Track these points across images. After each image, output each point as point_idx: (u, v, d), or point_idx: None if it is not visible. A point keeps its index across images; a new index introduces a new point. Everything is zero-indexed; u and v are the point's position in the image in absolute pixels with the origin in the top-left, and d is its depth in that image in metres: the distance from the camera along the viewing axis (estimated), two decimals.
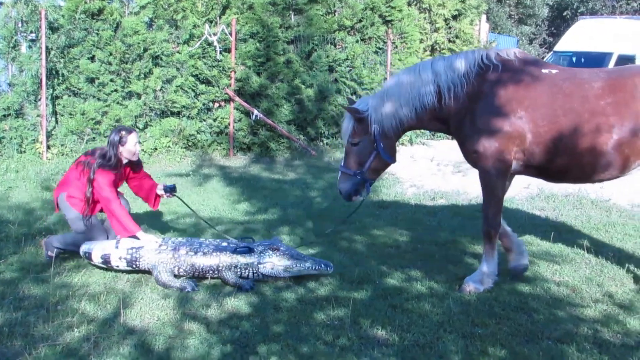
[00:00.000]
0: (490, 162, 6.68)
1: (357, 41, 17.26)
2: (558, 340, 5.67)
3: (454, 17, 19.08)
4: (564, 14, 35.89)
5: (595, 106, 6.38)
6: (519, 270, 7.25)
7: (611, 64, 19.72)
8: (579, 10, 34.68)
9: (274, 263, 6.95)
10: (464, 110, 6.79)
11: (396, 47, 17.96)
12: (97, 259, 7.10)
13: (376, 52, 17.64)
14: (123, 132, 7.51)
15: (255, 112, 15.28)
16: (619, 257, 8.06)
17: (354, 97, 16.05)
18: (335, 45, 17.02)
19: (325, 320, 5.97)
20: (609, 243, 8.65)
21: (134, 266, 7.04)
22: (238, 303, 6.37)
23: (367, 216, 9.99)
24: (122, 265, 7.06)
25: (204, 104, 15.44)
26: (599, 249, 8.39)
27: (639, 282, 7.22)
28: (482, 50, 6.92)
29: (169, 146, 14.87)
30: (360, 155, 7.12)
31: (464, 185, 12.86)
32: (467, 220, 9.85)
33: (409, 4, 18.37)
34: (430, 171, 14.57)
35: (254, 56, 15.76)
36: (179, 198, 8.35)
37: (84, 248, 7.22)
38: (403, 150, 17.00)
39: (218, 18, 15.60)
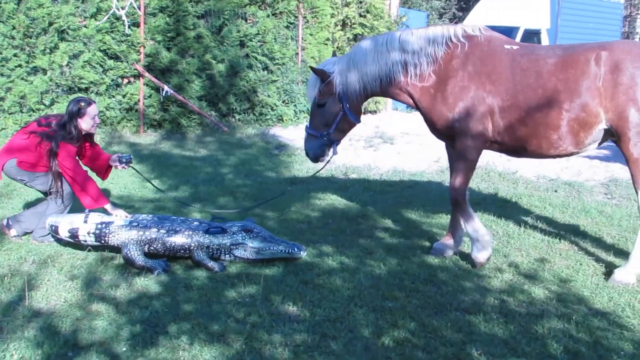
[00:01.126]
0: (469, 137, 6.76)
1: (268, 16, 17.15)
2: (466, 311, 5.79)
3: None
4: None
5: (547, 82, 6.53)
6: (438, 252, 7.31)
7: (517, 38, 20.12)
8: None
9: (247, 245, 6.85)
10: (432, 88, 6.87)
11: (307, 21, 17.93)
12: (64, 233, 6.90)
13: (287, 27, 17.58)
14: (82, 104, 7.28)
15: (166, 88, 15.07)
16: (525, 227, 8.27)
17: (266, 72, 16.04)
18: (246, 20, 16.89)
19: (236, 298, 5.95)
20: (515, 214, 8.85)
21: (103, 241, 6.86)
22: (148, 282, 6.30)
23: (278, 192, 9.99)
24: (90, 240, 6.88)
25: (112, 80, 15.10)
26: (506, 220, 8.58)
27: (543, 252, 7.42)
28: (450, 27, 6.95)
29: None
30: (327, 116, 7.15)
31: (375, 160, 13.00)
32: (378, 195, 9.96)
33: None
34: (341, 146, 14.49)
35: (163, 31, 15.51)
36: (134, 169, 8.30)
37: (50, 221, 7.00)
38: None
39: None
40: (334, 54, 7.86)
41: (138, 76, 15.30)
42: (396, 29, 19.78)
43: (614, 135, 6.51)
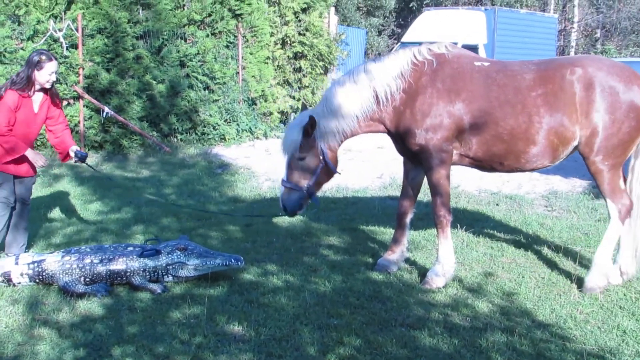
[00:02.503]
0: (433, 154, 6.80)
1: (207, 35, 17.12)
2: (410, 327, 5.82)
3: (303, 10, 19.21)
4: (411, 5, 36.77)
5: (527, 97, 6.62)
6: (382, 268, 7.32)
7: None
8: (424, 2, 35.60)
9: (183, 263, 6.77)
10: (402, 107, 6.87)
11: (247, 40, 17.94)
12: None
13: (227, 47, 17.56)
14: (43, 57, 7.23)
15: (106, 109, 14.91)
16: (468, 242, 8.36)
17: (207, 92, 15.99)
18: (185, 40, 16.82)
19: (181, 319, 5.90)
20: (458, 229, 8.93)
21: (37, 280, 6.70)
22: (91, 305, 6.21)
23: (221, 212, 9.95)
24: (25, 281, 6.71)
25: None
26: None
27: (486, 266, 7.51)
28: (414, 47, 6.99)
29: None
30: (306, 169, 7.10)
31: None
32: (322, 212, 9.97)
33: None
34: (285, 164, 14.60)
35: (102, 52, 15.36)
36: (89, 166, 8.37)
37: None
38: (258, 144, 17.04)
39: (63, 13, 15.10)
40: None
41: (77, 98, 15.12)
42: (336, 46, 19.90)
43: (580, 149, 6.69)
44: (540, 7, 39.21)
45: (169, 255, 6.81)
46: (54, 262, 6.70)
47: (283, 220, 9.38)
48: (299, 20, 19.25)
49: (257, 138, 17.59)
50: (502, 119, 6.64)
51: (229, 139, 16.94)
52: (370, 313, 6.11)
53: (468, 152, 6.88)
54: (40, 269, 6.68)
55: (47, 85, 7.40)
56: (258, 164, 14.43)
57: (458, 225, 9.21)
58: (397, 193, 11.37)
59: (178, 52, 16.49)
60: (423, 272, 7.20)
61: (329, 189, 11.85)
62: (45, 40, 14.54)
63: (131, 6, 15.94)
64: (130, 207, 10.28)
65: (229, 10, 17.44)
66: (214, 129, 16.87)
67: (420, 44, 19.33)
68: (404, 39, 23.72)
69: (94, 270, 6.65)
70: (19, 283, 6.73)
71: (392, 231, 8.81)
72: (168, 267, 6.77)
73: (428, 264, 7.52)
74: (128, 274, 6.69)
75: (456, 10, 25.14)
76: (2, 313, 6.01)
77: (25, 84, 7.21)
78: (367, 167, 14.50)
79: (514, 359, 5.27)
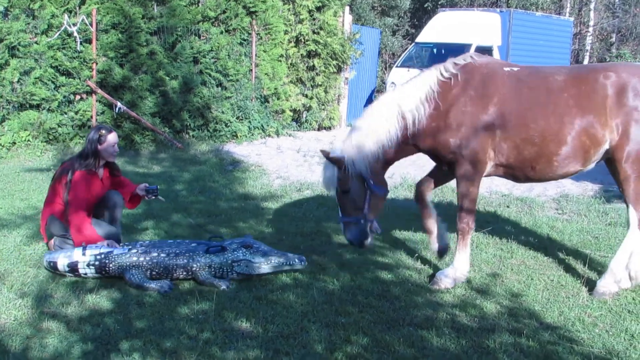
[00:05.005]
0: (467, 162, 6.78)
1: (221, 32, 17.15)
2: (418, 326, 5.82)
3: (318, 9, 19.20)
4: (425, 5, 36.67)
5: (559, 98, 6.59)
6: (443, 250, 7.47)
7: None
8: (439, 2, 35.52)
9: (248, 260, 6.80)
10: (433, 123, 6.83)
11: (261, 38, 17.95)
12: (62, 267, 6.74)
13: (241, 44, 17.58)
14: (103, 131, 7.32)
15: (119, 104, 14.96)
16: (478, 243, 8.35)
17: (220, 89, 16.02)
18: (199, 37, 16.87)
19: (189, 314, 5.93)
20: None
21: (104, 272, 6.73)
22: (100, 299, 6.24)
23: (232, 209, 9.98)
24: (91, 273, 6.73)
25: (64, 97, 14.96)
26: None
27: (495, 267, 7.50)
28: (439, 66, 6.94)
29: (28, 140, 14.37)
30: (355, 199, 7.06)
31: None
32: (332, 211, 9.95)
33: None
34: (296, 162, 14.66)
35: (116, 47, 15.41)
36: (161, 200, 8.18)
37: (47, 258, 6.84)
38: (270, 142, 17.05)
39: (78, 8, 15.15)
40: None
41: (90, 93, 15.17)
42: (349, 45, 19.89)
43: (609, 154, 6.64)
44: (556, 10, 39.06)
45: (235, 253, 6.83)
46: (120, 254, 6.74)
47: (292, 219, 9.39)
48: (314, 19, 19.24)
49: (269, 136, 17.60)
50: (533, 121, 6.61)
51: (240, 136, 16.96)
52: (379, 312, 6.12)
53: (501, 160, 6.82)
54: (107, 261, 6.71)
55: (112, 159, 7.49)
56: (269, 162, 14.45)
57: None
58: (408, 194, 11.41)
59: (192, 48, 16.52)
60: (432, 273, 7.20)
61: None
62: (59, 34, 14.58)
63: (146, 2, 15.99)
64: (141, 202, 10.28)
65: (244, 7, 17.46)
66: (226, 126, 16.89)
67: (434, 44, 19.37)
68: (418, 39, 23.69)
69: (160, 263, 6.70)
70: (85, 274, 6.75)
71: (402, 230, 8.86)
72: (233, 264, 6.78)
73: (436, 264, 7.51)
74: (194, 269, 6.72)
75: (471, 11, 25.05)
76: (10, 306, 6.03)
77: (93, 162, 7.28)
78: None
79: None
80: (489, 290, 6.79)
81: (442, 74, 6.86)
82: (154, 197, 7.88)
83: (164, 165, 13.92)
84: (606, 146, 6.60)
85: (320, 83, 19.42)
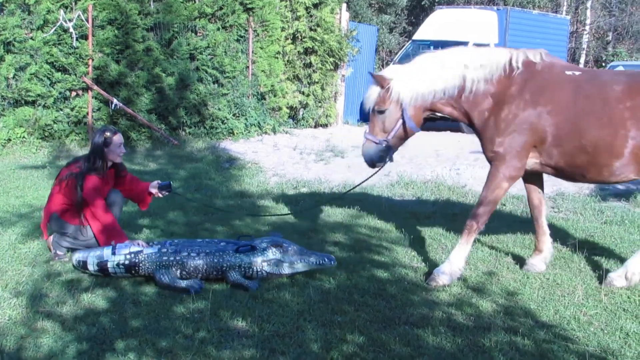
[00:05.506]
0: (504, 165, 6.79)
1: (218, 29, 17.15)
2: (414, 325, 5.81)
3: (315, 6, 19.20)
4: (423, 3, 36.59)
5: (614, 109, 6.48)
6: (531, 268, 7.43)
7: None
8: (436, 0, 35.50)
9: (278, 260, 6.78)
10: (487, 112, 6.87)
11: (258, 35, 17.95)
12: (92, 267, 6.72)
13: (238, 40, 17.59)
14: (107, 133, 7.29)
15: (115, 101, 14.95)
16: (473, 241, 8.31)
17: (216, 86, 15.97)
18: (196, 33, 16.87)
19: (185, 314, 5.91)
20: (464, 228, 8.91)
21: (133, 272, 6.71)
22: (95, 299, 6.22)
23: (229, 206, 9.97)
24: (120, 272, 6.71)
25: (60, 93, 14.95)
26: (455, 234, 8.64)
27: (491, 266, 7.50)
28: (513, 52, 6.93)
29: (23, 137, 14.36)
30: (386, 122, 7.13)
31: (326, 174, 13.03)
32: (329, 209, 9.97)
33: None
34: (293, 160, 14.66)
35: (112, 43, 15.39)
36: (177, 194, 8.15)
37: (77, 257, 6.82)
38: (266, 139, 17.07)
39: (74, 3, 15.13)
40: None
41: (86, 89, 15.15)
42: (346, 43, 19.89)
43: None
44: (553, 9, 39.06)
45: (265, 252, 6.80)
46: (151, 253, 6.72)
47: (290, 217, 9.38)
48: (310, 16, 19.24)
49: (266, 133, 17.61)
50: (586, 130, 6.53)
51: (237, 133, 16.97)
52: (374, 311, 6.11)
53: (549, 162, 6.81)
54: (137, 260, 6.69)
55: (119, 160, 7.47)
56: (266, 159, 14.45)
57: (463, 224, 9.20)
58: (404, 191, 11.42)
59: (188, 45, 16.53)
60: (428, 271, 7.20)
61: (336, 185, 11.87)
62: (55, 30, 14.55)
63: None
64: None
65: (241, 4, 17.48)
66: (222, 123, 16.89)
67: (431, 42, 19.32)
68: (415, 36, 23.67)
69: (191, 263, 6.67)
70: (115, 274, 6.73)
71: (399, 228, 8.86)
72: (263, 263, 6.76)
73: (433, 262, 7.52)
74: (224, 268, 6.69)
75: (468, 9, 25.05)
76: (5, 305, 6.01)
77: (102, 165, 7.27)
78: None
79: (516, 359, 5.26)
80: (485, 288, 6.79)
81: (511, 62, 6.83)
82: (167, 194, 7.86)
83: (160, 163, 13.92)
84: None
85: (317, 80, 19.43)
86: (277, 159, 14.54)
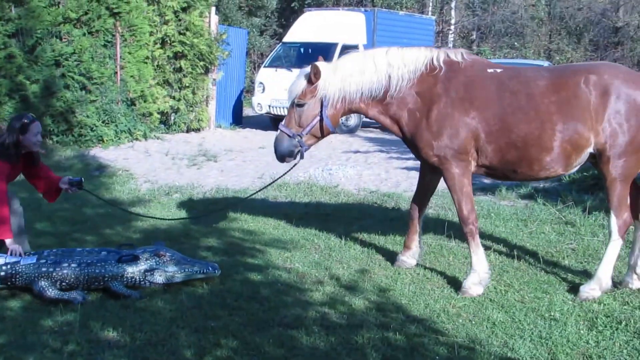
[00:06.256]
0: (453, 164, 6.78)
1: (84, 34, 16.72)
2: (288, 326, 5.84)
3: (184, 9, 18.99)
4: (293, 5, 36.80)
5: (540, 104, 6.57)
6: (402, 264, 7.57)
7: (336, 54, 20.60)
8: (306, 2, 35.76)
9: (161, 270, 6.63)
10: (417, 113, 6.84)
11: (125, 40, 17.62)
12: None
13: (105, 46, 17.19)
14: (25, 120, 6.92)
15: None
16: (345, 240, 8.45)
17: (84, 92, 15.59)
18: (61, 39, 16.40)
19: (53, 327, 5.75)
20: (337, 227, 9.02)
21: (9, 283, 6.41)
22: None
23: (97, 215, 9.76)
24: None
25: None
26: (328, 233, 8.74)
27: (363, 263, 7.61)
28: (434, 51, 6.93)
29: None
30: (303, 117, 7.07)
31: (199, 178, 12.96)
32: (202, 214, 9.89)
33: None
34: (165, 165, 14.49)
35: None
36: (87, 191, 7.95)
37: None
38: (137, 145, 16.79)
39: None
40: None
41: None
42: (217, 46, 19.79)
43: (595, 158, 6.68)
44: (419, 9, 39.95)
45: (147, 261, 6.67)
46: (28, 264, 6.44)
47: (162, 223, 9.26)
48: (179, 20, 19.02)
49: (137, 139, 17.31)
50: (515, 126, 6.62)
51: (107, 141, 16.61)
52: (248, 314, 6.11)
53: (484, 162, 6.88)
54: (13, 271, 6.42)
55: (36, 149, 7.17)
56: (137, 166, 14.22)
57: (337, 223, 9.32)
58: (278, 193, 11.44)
59: (53, 51, 16.05)
60: (301, 272, 7.24)
61: (209, 190, 11.80)
62: None
63: (2, 3, 15.43)
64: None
65: (107, 8, 17.08)
66: (91, 130, 16.49)
67: (300, 44, 19.44)
68: (286, 39, 23.77)
69: (71, 274, 6.44)
70: None
71: (272, 230, 8.89)
72: (146, 273, 6.63)
73: (306, 262, 7.57)
74: (106, 279, 6.51)
75: (336, 11, 25.34)
76: None
77: (14, 152, 6.93)
78: (248, 167, 14.51)
79: (388, 354, 5.36)
80: (358, 286, 6.88)
81: (433, 60, 6.87)
82: (77, 190, 7.64)
83: None
84: (590, 150, 6.64)
85: (187, 85, 19.24)
86: (149, 165, 14.33)
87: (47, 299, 6.29)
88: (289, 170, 8.10)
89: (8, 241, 6.78)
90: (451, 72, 6.87)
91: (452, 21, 40.79)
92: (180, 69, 19.07)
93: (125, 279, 6.60)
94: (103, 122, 16.78)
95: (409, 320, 6.03)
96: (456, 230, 8.98)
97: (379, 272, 7.35)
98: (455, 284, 6.96)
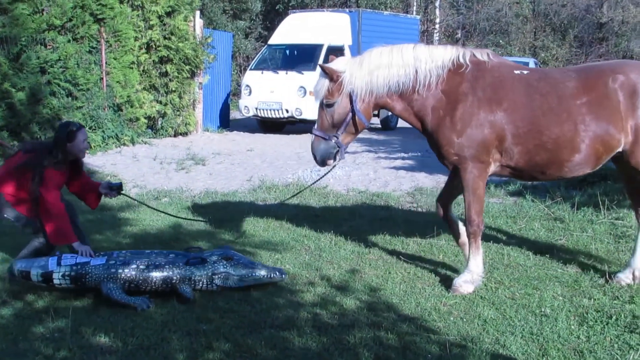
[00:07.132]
0: (471, 165, 6.72)
1: (69, 41, 16.68)
2: (280, 328, 5.84)
3: (168, 14, 19.00)
4: (277, 7, 36.84)
5: (572, 105, 6.54)
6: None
7: (322, 55, 20.66)
8: (290, 4, 35.78)
9: (229, 273, 6.62)
10: (441, 111, 6.76)
11: (110, 45, 17.60)
12: (35, 277, 6.38)
13: (90, 52, 17.17)
14: (72, 128, 6.94)
15: None
16: (336, 241, 8.46)
17: (70, 99, 15.55)
18: (45, 46, 16.36)
19: (44, 333, 5.73)
20: (326, 228, 9.02)
21: (79, 284, 6.41)
22: None
23: (88, 221, 9.72)
24: (65, 284, 6.39)
25: None
26: (318, 234, 8.75)
27: (354, 263, 7.62)
28: (460, 49, 6.87)
29: None
30: (335, 116, 6.92)
31: (188, 182, 12.94)
32: (192, 217, 9.88)
33: (121, 1, 18.01)
34: (153, 170, 14.47)
35: None
36: (127, 196, 7.95)
37: (18, 266, 6.46)
38: (125, 151, 16.77)
39: None
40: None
41: None
42: (202, 50, 19.80)
43: (623, 157, 6.73)
44: (404, 9, 40.08)
45: (215, 265, 6.66)
46: (98, 265, 6.46)
47: (151, 227, 9.26)
48: (164, 24, 19.02)
49: (124, 145, 17.29)
50: (546, 128, 6.60)
51: (94, 147, 16.57)
52: (240, 316, 6.10)
53: (509, 163, 6.83)
54: (84, 272, 6.42)
55: (83, 156, 7.22)
56: (125, 171, 14.20)
57: (327, 224, 9.33)
58: (267, 195, 11.45)
59: (38, 58, 16.00)
60: (292, 273, 7.25)
61: (198, 193, 11.79)
62: None
63: None
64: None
65: (91, 14, 17.06)
66: None
67: (286, 46, 19.49)
68: (271, 41, 23.78)
69: (140, 276, 6.45)
70: (60, 285, 6.44)
71: (262, 232, 8.89)
72: (214, 276, 6.62)
73: (297, 263, 7.57)
74: (174, 281, 6.50)
75: (321, 12, 25.38)
76: None
77: (62, 161, 6.96)
78: (236, 170, 14.51)
79: (380, 353, 5.36)
80: (349, 286, 6.89)
81: (459, 58, 6.78)
82: (117, 195, 7.65)
83: None
84: (619, 149, 6.67)
85: (174, 89, 19.25)
86: (137, 170, 14.31)
87: (113, 302, 6.31)
88: (328, 172, 8.13)
89: (75, 244, 6.84)
90: (478, 72, 6.79)
91: (437, 20, 40.96)
92: (166, 74, 19.08)
93: (192, 282, 6.59)
94: (90, 128, 16.74)
95: (401, 319, 6.04)
96: (446, 229, 9.02)
97: (369, 271, 7.36)
98: (446, 282, 6.98)
